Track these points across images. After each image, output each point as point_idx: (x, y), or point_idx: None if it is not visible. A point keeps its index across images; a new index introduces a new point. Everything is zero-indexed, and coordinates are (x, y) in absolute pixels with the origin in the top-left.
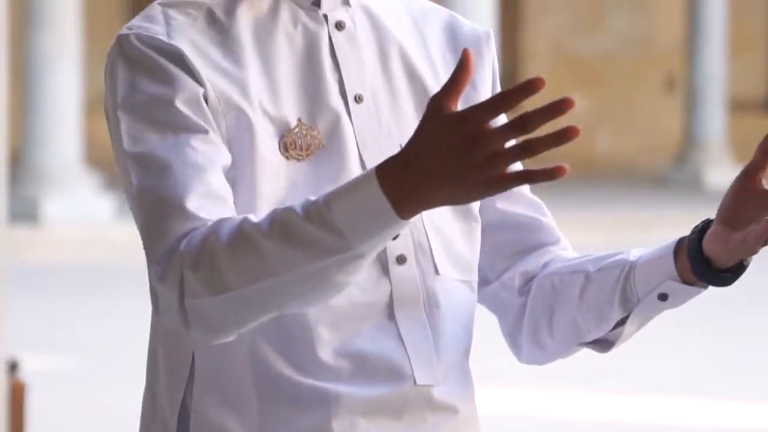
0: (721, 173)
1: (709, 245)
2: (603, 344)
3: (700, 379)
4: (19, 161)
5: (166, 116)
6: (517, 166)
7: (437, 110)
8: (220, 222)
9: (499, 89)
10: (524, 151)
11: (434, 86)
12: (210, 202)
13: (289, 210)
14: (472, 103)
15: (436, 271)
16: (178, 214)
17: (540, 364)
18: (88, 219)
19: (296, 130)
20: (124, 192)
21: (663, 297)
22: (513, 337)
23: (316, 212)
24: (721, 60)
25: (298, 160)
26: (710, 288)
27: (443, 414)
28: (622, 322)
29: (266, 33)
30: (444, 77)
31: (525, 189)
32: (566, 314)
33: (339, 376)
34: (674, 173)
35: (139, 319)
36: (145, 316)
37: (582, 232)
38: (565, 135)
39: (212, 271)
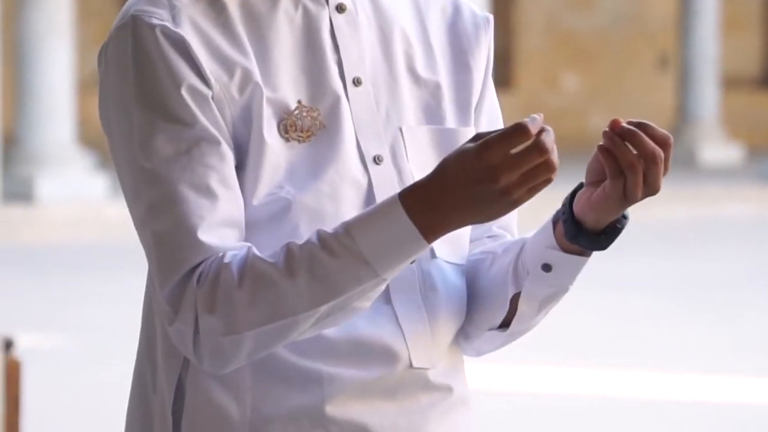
0: (715, 149)
1: (577, 207)
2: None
3: (697, 354)
4: (13, 142)
5: (178, 125)
6: None
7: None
8: (231, 259)
9: (490, 76)
10: (546, 171)
11: (427, 73)
12: (222, 230)
13: (308, 245)
14: (466, 84)
15: (433, 255)
16: (189, 245)
17: (470, 356)
18: (81, 198)
19: (296, 111)
20: (124, 183)
21: (546, 267)
22: None
23: (339, 244)
24: (714, 37)
25: (298, 141)
26: (712, 270)
27: (438, 394)
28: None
29: (267, 14)
30: (440, 63)
31: None
32: (476, 297)
33: (335, 357)
34: None
35: (132, 297)
36: (139, 294)
37: None
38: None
39: (229, 314)
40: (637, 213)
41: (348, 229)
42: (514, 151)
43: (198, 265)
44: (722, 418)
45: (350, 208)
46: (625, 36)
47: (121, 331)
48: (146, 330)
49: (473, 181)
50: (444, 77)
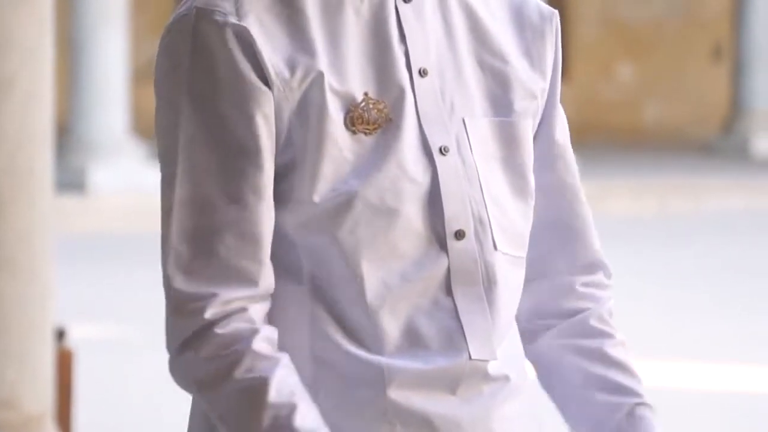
0: None
1: None
2: None
3: (749, 345)
4: (66, 131)
5: (224, 129)
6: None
7: None
8: (259, 349)
9: (559, 72)
10: None
11: (493, 61)
12: (244, 246)
13: (287, 397)
14: (530, 74)
15: (495, 247)
16: (226, 278)
17: None
18: (134, 188)
19: (362, 104)
20: (161, 186)
21: None
22: None
23: None
24: None
25: (365, 134)
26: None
27: (497, 384)
28: None
29: (334, 5)
30: (506, 51)
31: (571, 159)
32: (564, 396)
33: (395, 350)
34: (722, 141)
35: None
36: None
37: (632, 199)
38: None
39: (211, 386)
40: (688, 203)
41: None
42: None
43: (228, 314)
44: None
45: (411, 202)
46: (679, 26)
47: None
48: None
49: None
50: (509, 66)
